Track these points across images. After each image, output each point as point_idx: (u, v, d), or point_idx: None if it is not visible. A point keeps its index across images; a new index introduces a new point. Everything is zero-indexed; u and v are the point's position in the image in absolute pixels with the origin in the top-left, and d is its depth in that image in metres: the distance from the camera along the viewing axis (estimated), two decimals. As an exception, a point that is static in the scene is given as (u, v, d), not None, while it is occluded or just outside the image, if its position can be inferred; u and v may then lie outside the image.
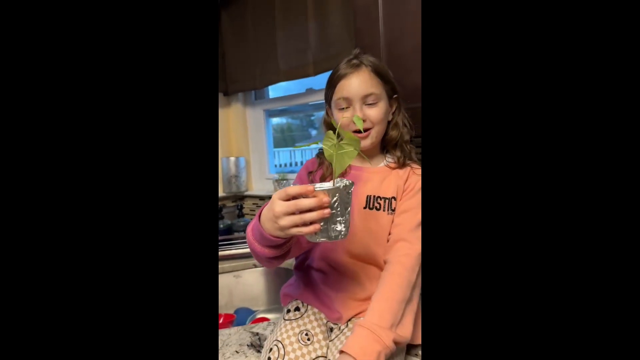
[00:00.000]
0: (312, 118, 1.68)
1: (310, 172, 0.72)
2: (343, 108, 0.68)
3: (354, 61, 0.67)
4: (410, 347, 0.68)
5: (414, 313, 0.61)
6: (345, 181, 0.50)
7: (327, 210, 0.48)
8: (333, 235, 0.51)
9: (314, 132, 1.92)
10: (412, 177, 0.69)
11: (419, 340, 0.67)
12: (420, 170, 0.71)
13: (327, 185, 0.50)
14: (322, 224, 0.49)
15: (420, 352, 0.67)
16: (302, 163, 2.10)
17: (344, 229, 0.51)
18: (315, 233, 0.50)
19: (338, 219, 0.50)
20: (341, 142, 0.51)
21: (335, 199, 0.49)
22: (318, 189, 0.49)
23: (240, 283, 1.29)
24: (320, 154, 0.77)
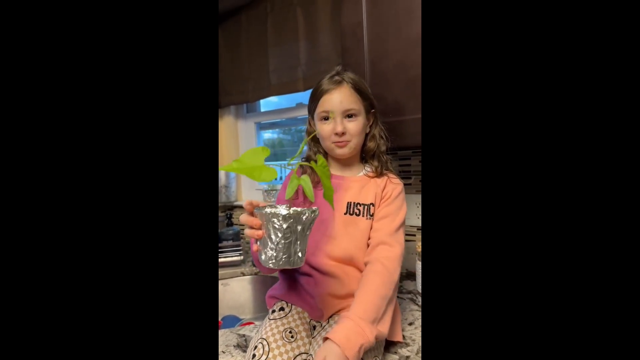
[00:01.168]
0: (303, 134, 1.73)
1: None
2: (326, 119, 0.73)
3: (336, 78, 0.73)
4: (389, 345, 0.72)
5: (392, 311, 0.64)
6: (283, 210, 0.50)
7: (259, 232, 0.52)
8: (263, 258, 0.52)
9: (305, 148, 1.96)
10: (389, 186, 0.75)
11: (397, 338, 0.70)
12: (397, 180, 0.77)
13: (269, 208, 0.52)
14: (259, 244, 0.52)
15: (399, 351, 0.70)
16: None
17: (272, 256, 0.51)
18: (258, 251, 0.53)
19: (268, 244, 0.51)
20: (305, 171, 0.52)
21: (264, 223, 0.51)
22: (257, 210, 0.52)
23: (228, 291, 1.30)
24: (304, 162, 0.82)
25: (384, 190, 0.74)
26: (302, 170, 0.73)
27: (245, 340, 0.79)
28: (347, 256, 0.71)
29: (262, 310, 1.30)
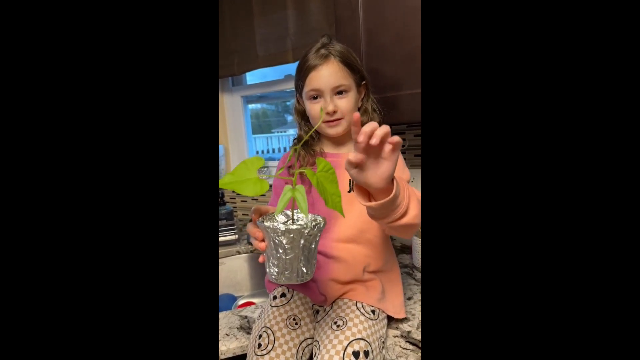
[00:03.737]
0: (288, 104, 1.68)
1: (290, 167, 0.73)
2: (314, 97, 0.70)
3: (322, 51, 0.68)
4: (390, 322, 0.73)
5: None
6: (282, 225, 0.47)
7: (261, 244, 0.49)
8: (268, 272, 0.50)
9: (289, 118, 1.92)
10: None
11: (401, 315, 0.72)
12: None
13: (269, 222, 0.49)
14: (265, 255, 0.50)
15: (400, 326, 0.72)
16: (279, 150, 2.09)
17: (275, 272, 0.49)
18: (264, 262, 0.51)
19: (271, 259, 0.49)
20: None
21: (266, 237, 0.49)
22: (258, 222, 0.49)
23: (224, 270, 1.31)
24: (295, 144, 0.79)
25: None
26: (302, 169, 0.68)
27: (248, 321, 0.80)
28: (356, 232, 0.70)
29: (258, 287, 1.32)
